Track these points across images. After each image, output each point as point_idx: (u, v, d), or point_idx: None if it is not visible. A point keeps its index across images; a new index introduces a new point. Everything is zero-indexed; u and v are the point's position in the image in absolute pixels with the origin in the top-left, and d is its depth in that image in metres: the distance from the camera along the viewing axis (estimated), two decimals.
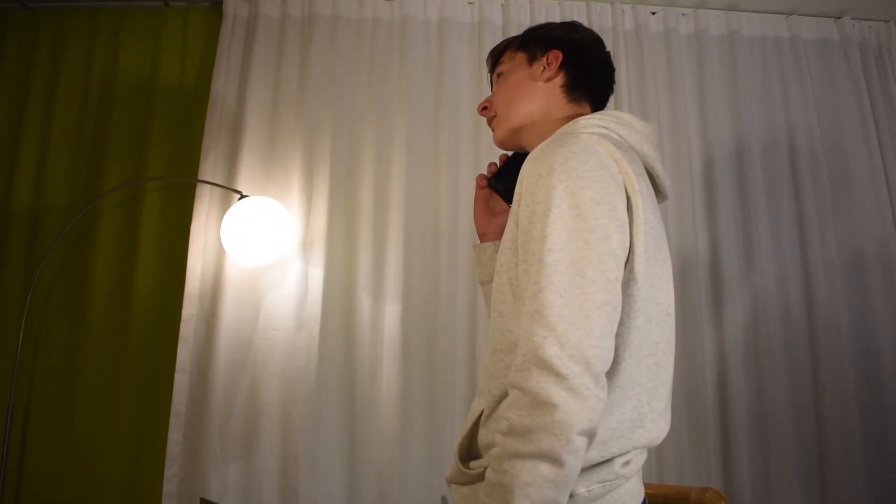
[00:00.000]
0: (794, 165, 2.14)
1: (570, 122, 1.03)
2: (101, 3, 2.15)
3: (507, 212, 1.23)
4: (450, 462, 1.01)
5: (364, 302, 1.94)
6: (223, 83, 2.04)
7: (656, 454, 1.89)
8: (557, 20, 2.15)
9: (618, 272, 0.86)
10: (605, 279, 0.84)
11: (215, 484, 1.81)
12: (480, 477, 0.92)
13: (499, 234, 1.23)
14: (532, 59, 1.13)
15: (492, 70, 1.21)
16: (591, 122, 1.00)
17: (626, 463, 0.92)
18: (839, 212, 2.13)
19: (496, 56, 1.20)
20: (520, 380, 0.80)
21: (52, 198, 2.03)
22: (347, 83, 2.07)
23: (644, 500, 0.97)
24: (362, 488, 1.85)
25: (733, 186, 2.12)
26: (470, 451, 0.96)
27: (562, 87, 1.11)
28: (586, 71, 1.12)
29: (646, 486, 1.55)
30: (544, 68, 1.11)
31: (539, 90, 1.11)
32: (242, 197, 1.90)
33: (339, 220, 1.99)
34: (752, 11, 2.26)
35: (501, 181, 1.21)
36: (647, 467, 1.85)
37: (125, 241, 2.01)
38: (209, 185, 1.97)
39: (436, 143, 2.05)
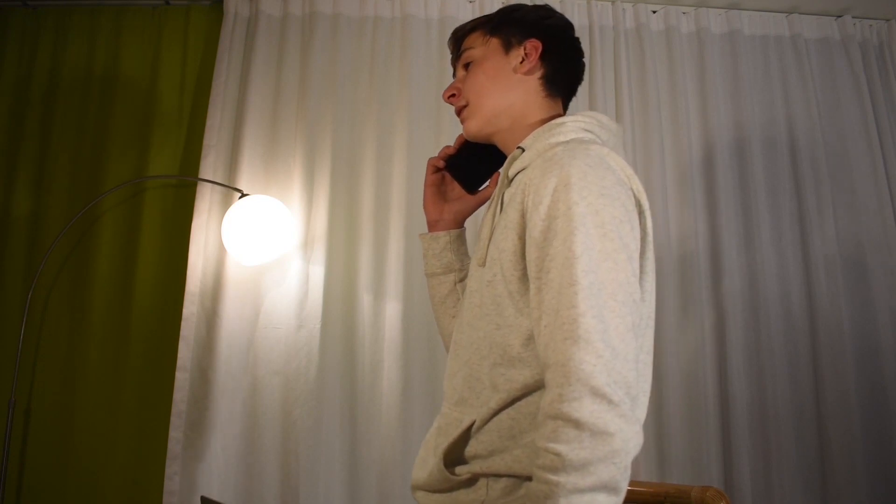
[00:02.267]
0: (794, 164, 2.14)
1: (555, 124, 0.98)
2: (102, 1, 2.15)
3: (461, 199, 1.18)
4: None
5: (365, 300, 1.95)
6: (224, 81, 2.04)
7: (656, 454, 1.89)
8: None
9: (640, 292, 0.86)
10: (632, 301, 0.83)
11: (216, 482, 1.81)
12: (465, 483, 0.91)
13: (452, 223, 1.18)
14: (508, 47, 1.05)
15: (457, 54, 1.11)
16: (577, 126, 0.97)
17: None
18: (840, 210, 2.13)
19: (460, 39, 1.10)
20: (569, 411, 0.75)
21: (52, 197, 2.03)
22: (348, 81, 2.07)
23: None
24: (363, 486, 1.85)
25: (734, 185, 2.12)
26: (452, 458, 0.93)
27: (541, 80, 1.05)
28: (564, 62, 1.08)
29: (646, 485, 1.55)
30: (523, 59, 1.04)
31: (517, 82, 1.04)
32: (243, 195, 1.90)
33: (339, 218, 1.99)
34: (753, 10, 2.26)
35: (460, 167, 1.15)
36: (647, 466, 1.86)
37: (126, 240, 2.01)
38: (210, 184, 1.97)
39: (436, 141, 2.05)
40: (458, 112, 1.09)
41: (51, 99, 2.09)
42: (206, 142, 2.00)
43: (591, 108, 2.09)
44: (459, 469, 0.92)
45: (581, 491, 0.74)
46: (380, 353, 1.92)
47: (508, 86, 1.04)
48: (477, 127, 1.07)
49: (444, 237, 1.17)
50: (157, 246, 2.01)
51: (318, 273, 1.94)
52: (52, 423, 1.90)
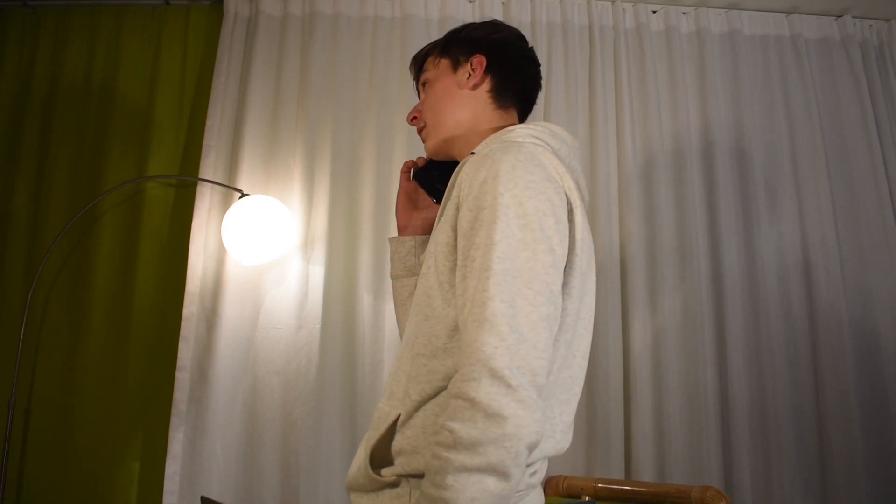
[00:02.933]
0: (794, 163, 2.14)
1: (504, 131, 1.02)
2: (102, 1, 2.15)
3: (430, 207, 1.22)
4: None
5: (365, 300, 1.94)
6: (224, 81, 2.04)
7: (656, 454, 1.89)
8: (558, 18, 2.16)
9: (560, 285, 0.87)
10: (549, 291, 0.84)
11: (216, 482, 1.81)
12: (390, 484, 0.90)
13: (419, 229, 1.22)
14: (456, 65, 1.10)
15: (416, 78, 1.17)
16: (526, 132, 1.00)
17: (534, 473, 0.92)
18: (840, 209, 2.13)
19: (419, 63, 1.17)
20: (468, 390, 0.77)
21: (52, 197, 2.03)
22: (348, 81, 2.07)
23: None
24: None
25: (734, 184, 2.11)
26: (380, 456, 0.93)
27: (489, 92, 1.09)
28: (511, 73, 1.11)
29: (646, 485, 1.56)
30: (469, 74, 1.08)
31: (466, 97, 1.08)
32: (243, 195, 1.90)
33: (339, 218, 1.99)
34: (753, 10, 2.26)
35: (427, 177, 1.19)
36: (647, 466, 1.86)
37: (126, 240, 2.01)
38: (210, 184, 1.97)
39: None
40: (419, 133, 1.14)
41: (51, 99, 2.09)
42: (206, 142, 2.00)
43: (591, 108, 2.09)
44: (385, 471, 0.92)
45: (469, 470, 0.74)
46: (380, 353, 1.91)
47: (458, 102, 1.08)
48: (434, 145, 1.12)
49: (409, 241, 1.21)
50: (157, 246, 2.01)
51: (318, 273, 1.94)
52: (52, 423, 1.90)
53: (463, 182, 0.91)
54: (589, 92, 2.10)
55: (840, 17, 2.29)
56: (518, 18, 2.14)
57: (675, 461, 1.87)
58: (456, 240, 0.90)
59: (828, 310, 2.02)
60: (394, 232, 1.94)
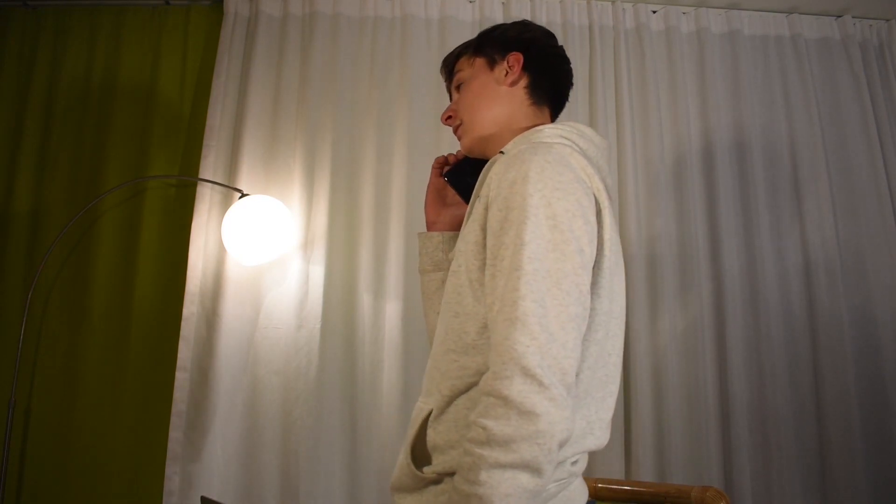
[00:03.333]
0: (794, 163, 2.14)
1: (533, 131, 1.03)
2: (102, 1, 2.15)
3: (459, 204, 1.23)
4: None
5: (365, 300, 1.95)
6: (224, 81, 2.04)
7: (656, 454, 1.89)
8: (558, 18, 2.16)
9: (588, 285, 0.88)
10: (578, 291, 0.85)
11: (216, 482, 1.81)
12: (433, 482, 0.92)
13: (448, 226, 1.23)
14: (492, 63, 1.11)
15: (449, 79, 1.19)
16: (554, 132, 1.01)
17: (575, 462, 0.94)
18: (840, 210, 2.13)
19: (450, 65, 1.18)
20: (500, 388, 0.78)
21: (52, 197, 2.03)
22: (348, 81, 2.07)
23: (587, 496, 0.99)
24: (363, 486, 1.85)
25: (734, 184, 2.12)
26: (419, 454, 0.94)
27: (525, 89, 1.11)
28: (546, 70, 1.13)
29: (646, 485, 1.55)
30: (507, 72, 1.10)
31: (503, 95, 1.10)
32: (243, 195, 1.90)
33: (339, 218, 1.99)
34: (753, 10, 2.26)
35: (458, 176, 1.20)
36: (647, 466, 1.86)
37: (126, 240, 2.01)
38: (210, 184, 1.97)
39: (437, 141, 2.05)
40: (455, 131, 1.15)
41: (51, 99, 2.09)
42: (206, 142, 2.00)
43: (591, 108, 2.09)
44: (427, 469, 0.93)
45: (502, 466, 0.76)
46: (380, 353, 1.92)
47: (495, 99, 1.10)
48: (470, 142, 1.12)
49: (437, 237, 1.23)
50: (156, 246, 2.01)
51: (318, 273, 1.94)
52: (52, 423, 1.90)
53: (492, 182, 0.92)
54: (589, 92, 2.10)
55: (840, 17, 2.29)
56: (518, 18, 2.14)
57: (675, 461, 1.87)
58: (485, 239, 0.91)
59: (828, 310, 2.02)
60: (394, 231, 1.97)
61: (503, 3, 2.18)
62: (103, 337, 1.95)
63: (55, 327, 1.96)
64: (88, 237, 2.02)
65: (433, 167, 1.25)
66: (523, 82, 1.10)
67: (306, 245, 1.97)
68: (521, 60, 1.10)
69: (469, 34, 2.12)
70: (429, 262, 1.23)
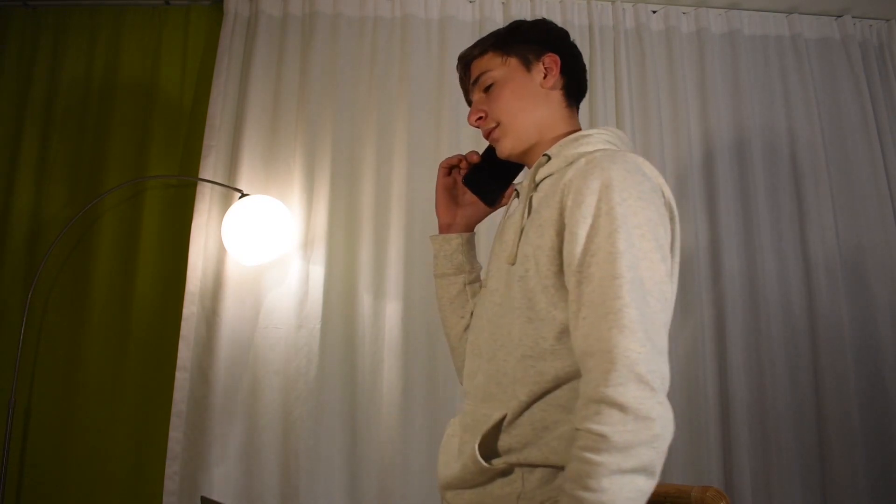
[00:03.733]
0: (795, 164, 2.14)
1: (581, 135, 1.02)
2: (102, 1, 2.15)
3: (473, 204, 1.21)
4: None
5: (365, 300, 1.95)
6: (224, 81, 2.04)
7: None
8: (558, 18, 2.16)
9: (672, 293, 0.91)
10: (664, 300, 0.87)
11: (216, 482, 1.81)
12: (501, 473, 0.93)
13: (463, 227, 1.22)
14: (527, 64, 1.09)
15: (473, 78, 1.13)
16: (601, 137, 1.02)
17: None
18: (840, 210, 2.13)
19: (470, 62, 1.13)
20: (615, 395, 0.79)
21: (52, 197, 2.03)
22: (348, 81, 2.07)
23: None
24: (363, 486, 1.85)
25: (734, 185, 2.12)
26: (487, 452, 0.95)
27: (561, 91, 1.10)
28: (575, 71, 1.12)
29: None
30: (545, 74, 1.08)
31: (542, 97, 1.08)
32: (243, 195, 1.90)
33: (339, 218, 1.99)
34: (753, 10, 2.26)
35: (479, 183, 1.18)
36: None
37: (126, 240, 2.01)
38: (210, 184, 1.97)
39: (437, 141, 2.05)
40: (488, 133, 1.11)
41: (51, 99, 2.09)
42: (206, 142, 2.00)
43: (591, 108, 2.09)
44: (495, 460, 0.94)
45: (623, 472, 0.78)
46: (380, 353, 1.91)
47: (536, 102, 1.08)
48: (511, 145, 1.09)
49: (456, 239, 1.21)
50: (157, 246, 2.01)
51: (318, 273, 1.94)
52: (52, 423, 1.90)
53: (568, 188, 0.92)
54: (589, 92, 2.08)
55: (840, 17, 2.28)
56: (518, 18, 2.14)
57: (675, 461, 1.87)
58: (561, 244, 0.92)
59: (828, 310, 2.02)
60: (394, 231, 1.97)
61: (503, 2, 2.18)
62: (103, 337, 1.95)
63: (55, 327, 1.96)
64: (88, 237, 2.02)
65: (441, 167, 1.21)
66: (559, 84, 1.09)
67: (306, 245, 1.97)
68: (559, 62, 1.09)
69: (469, 34, 2.13)
70: (449, 266, 1.21)
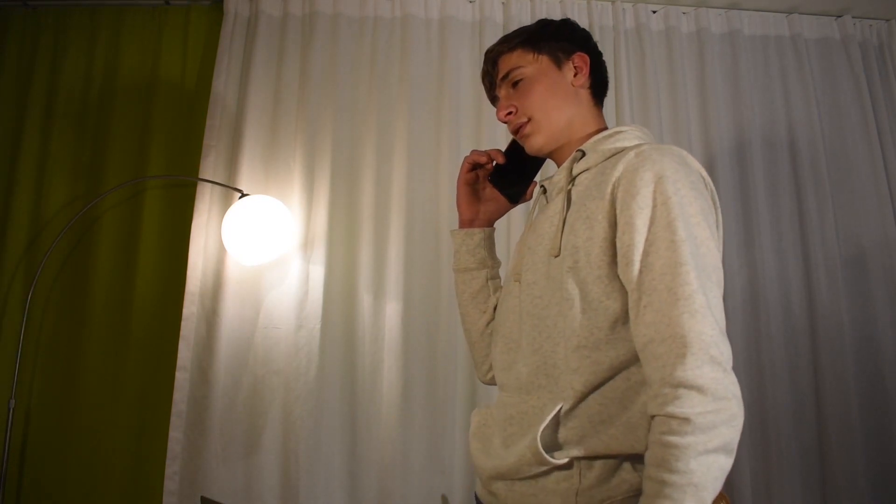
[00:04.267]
0: (795, 164, 2.14)
1: (615, 131, 1.06)
2: (102, 1, 2.15)
3: (494, 199, 1.23)
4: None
5: (365, 300, 1.94)
6: (224, 81, 2.04)
7: None
8: (558, 18, 2.15)
9: (723, 279, 0.95)
10: (719, 285, 0.91)
11: (216, 482, 1.81)
12: (559, 467, 0.93)
13: (485, 222, 1.24)
14: (559, 63, 1.11)
15: (503, 74, 1.14)
16: (633, 134, 1.05)
17: None
18: (840, 209, 2.13)
19: (497, 58, 1.15)
20: (694, 377, 0.82)
21: (52, 197, 2.03)
22: (348, 81, 2.07)
23: None
24: (363, 486, 1.85)
25: (734, 184, 2.12)
26: (546, 444, 0.95)
27: (589, 90, 1.13)
28: (602, 71, 1.16)
29: None
30: (576, 72, 1.11)
31: (573, 95, 1.11)
32: (243, 195, 1.90)
33: (339, 218, 1.99)
34: (753, 10, 2.26)
35: (503, 181, 1.20)
36: None
37: (126, 240, 2.01)
38: (210, 184, 1.97)
39: (437, 141, 2.05)
40: (517, 129, 1.12)
41: (51, 99, 2.09)
42: (205, 141, 2.00)
43: None
44: (557, 453, 0.94)
45: (708, 452, 0.80)
46: (380, 353, 1.92)
47: (567, 99, 1.10)
48: (543, 140, 1.11)
49: (478, 234, 1.23)
50: (156, 246, 2.01)
51: (318, 273, 1.94)
52: (52, 423, 1.90)
53: (620, 180, 0.94)
54: None
55: (840, 17, 2.29)
56: (518, 18, 2.15)
57: None
58: (613, 235, 0.94)
59: (828, 310, 2.02)
60: (394, 231, 1.97)
61: (503, 3, 2.18)
62: (103, 337, 1.95)
63: (55, 327, 1.96)
64: (88, 237, 2.02)
65: (466, 163, 1.22)
66: (588, 83, 1.12)
67: (306, 245, 1.97)
68: (588, 62, 1.12)
69: (469, 34, 2.14)
70: (472, 261, 1.23)
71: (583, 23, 2.15)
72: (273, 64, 2.07)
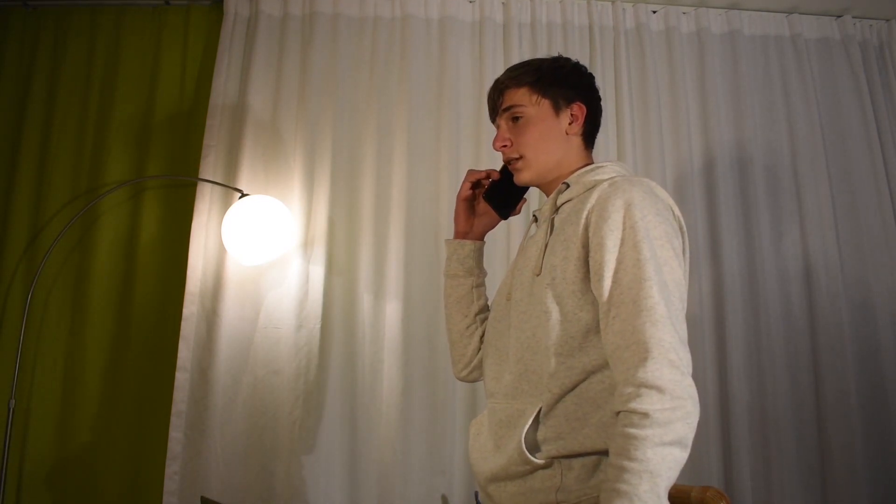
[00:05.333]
0: (795, 164, 2.14)
1: (597, 166, 1.17)
2: (102, 1, 2.15)
3: (486, 214, 1.33)
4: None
5: (365, 300, 1.95)
6: (224, 81, 2.04)
7: None
8: (558, 18, 2.16)
9: (686, 293, 1.06)
10: (681, 299, 1.02)
11: (216, 482, 1.81)
12: (542, 467, 1.02)
13: (478, 235, 1.35)
14: (557, 109, 1.19)
15: (505, 106, 1.21)
16: (613, 168, 1.16)
17: None
18: (840, 210, 2.13)
19: (503, 90, 1.22)
20: (654, 378, 0.91)
21: (52, 197, 2.03)
22: (348, 81, 2.07)
23: None
24: (363, 486, 1.85)
25: (734, 185, 2.12)
26: (529, 444, 1.03)
27: (581, 136, 1.21)
28: (597, 118, 1.24)
29: None
30: (571, 121, 1.19)
31: (564, 141, 1.19)
32: (243, 195, 1.90)
33: (339, 218, 1.99)
34: (754, 10, 2.26)
35: (495, 198, 1.29)
36: None
37: (126, 240, 2.01)
38: (210, 184, 1.97)
39: (437, 141, 2.05)
40: (510, 161, 1.22)
41: (51, 99, 2.09)
42: (206, 142, 2.00)
43: None
44: (539, 455, 1.03)
45: (664, 444, 0.90)
46: (380, 353, 1.92)
47: (558, 145, 1.20)
48: (530, 177, 1.21)
49: (469, 245, 1.34)
50: (156, 246, 2.01)
51: (318, 273, 1.94)
52: (52, 423, 1.90)
53: (593, 207, 1.06)
54: None
55: (840, 17, 2.29)
56: (518, 18, 2.15)
57: None
58: (586, 255, 1.04)
59: (828, 310, 2.02)
60: (394, 231, 1.97)
61: (503, 3, 2.18)
62: (103, 337, 1.95)
63: (55, 327, 1.96)
64: (88, 237, 2.02)
65: (466, 180, 1.32)
66: (581, 131, 1.21)
67: (306, 245, 1.97)
68: (585, 112, 1.20)
69: (469, 34, 2.14)
70: (460, 268, 1.34)
71: (583, 23, 2.18)
72: (273, 64, 2.07)
